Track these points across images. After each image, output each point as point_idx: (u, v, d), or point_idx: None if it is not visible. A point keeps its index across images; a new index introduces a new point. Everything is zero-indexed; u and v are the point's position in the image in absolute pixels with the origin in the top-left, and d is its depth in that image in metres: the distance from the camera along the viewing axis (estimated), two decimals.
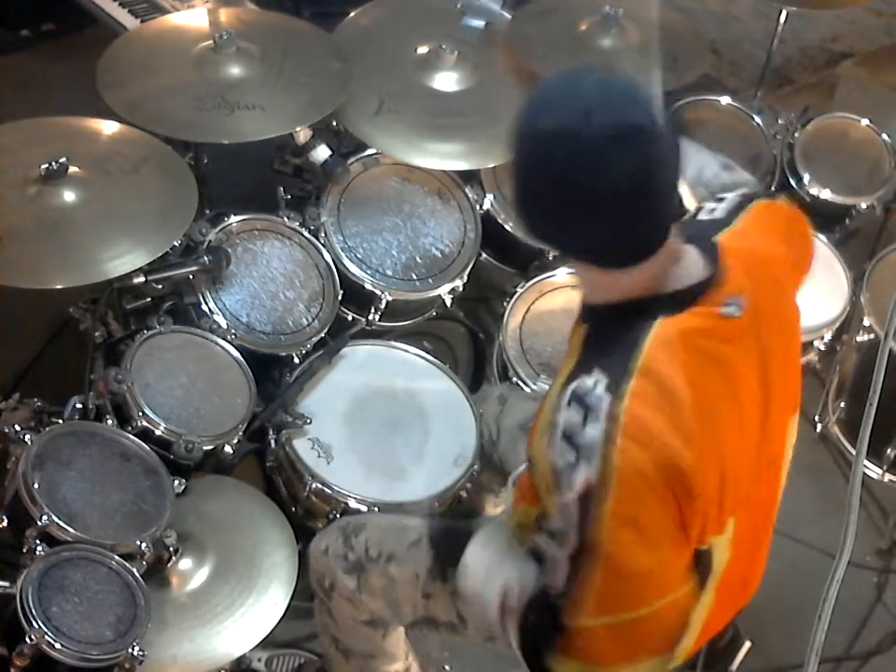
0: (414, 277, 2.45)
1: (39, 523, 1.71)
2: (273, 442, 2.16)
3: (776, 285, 1.48)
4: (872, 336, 2.54)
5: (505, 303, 2.51)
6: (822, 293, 2.64)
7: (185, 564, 1.89)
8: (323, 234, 2.40)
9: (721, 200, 1.56)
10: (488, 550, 1.55)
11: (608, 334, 1.37)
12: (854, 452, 1.54)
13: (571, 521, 1.30)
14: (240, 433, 2.09)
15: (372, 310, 2.42)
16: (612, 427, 1.26)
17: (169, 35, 2.45)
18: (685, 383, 1.30)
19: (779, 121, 2.88)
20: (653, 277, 1.34)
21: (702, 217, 1.54)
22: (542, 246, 2.56)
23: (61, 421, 1.94)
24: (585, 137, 1.22)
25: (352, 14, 2.65)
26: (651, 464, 1.26)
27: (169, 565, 1.87)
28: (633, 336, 1.32)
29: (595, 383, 1.30)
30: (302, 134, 2.35)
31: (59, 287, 1.91)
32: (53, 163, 1.98)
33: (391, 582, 1.76)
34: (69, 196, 2.01)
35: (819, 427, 2.76)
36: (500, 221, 2.58)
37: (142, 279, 2.06)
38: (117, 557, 1.75)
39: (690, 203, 1.66)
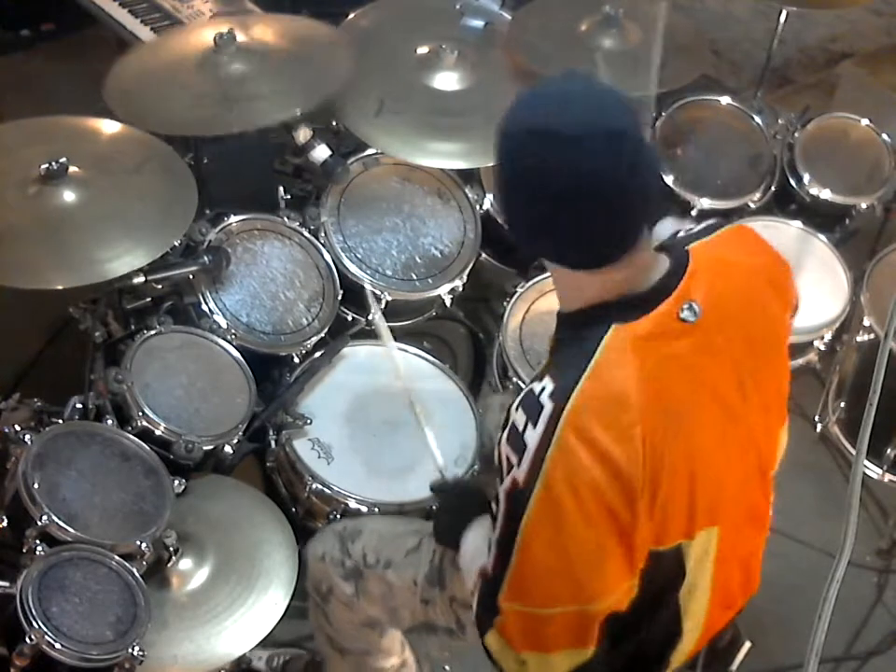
0: (414, 277, 2.45)
1: (39, 523, 1.71)
2: (273, 443, 2.16)
3: (746, 294, 1.47)
4: (872, 336, 2.53)
5: (505, 303, 2.50)
6: (822, 293, 2.64)
7: (185, 564, 1.89)
8: (323, 234, 2.40)
9: (699, 224, 1.58)
10: (486, 529, 1.58)
11: (567, 342, 1.41)
12: (854, 452, 1.54)
13: (500, 510, 1.35)
14: (240, 433, 2.09)
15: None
16: (548, 436, 1.29)
17: (172, 43, 2.45)
18: (638, 387, 1.31)
19: (779, 121, 2.88)
20: (620, 283, 1.35)
21: (681, 235, 1.55)
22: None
23: (61, 421, 1.94)
24: (562, 135, 1.25)
25: (352, 15, 2.65)
26: (579, 476, 1.29)
27: (169, 565, 1.87)
28: (587, 343, 1.34)
29: (541, 389, 1.33)
30: (302, 134, 2.35)
31: (59, 287, 1.91)
32: (53, 163, 1.98)
33: (389, 589, 1.77)
34: (69, 196, 2.01)
35: (818, 426, 2.75)
36: (500, 221, 2.58)
37: (142, 279, 2.06)
38: (117, 557, 1.75)
39: None
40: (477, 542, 1.58)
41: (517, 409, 1.35)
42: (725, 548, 1.47)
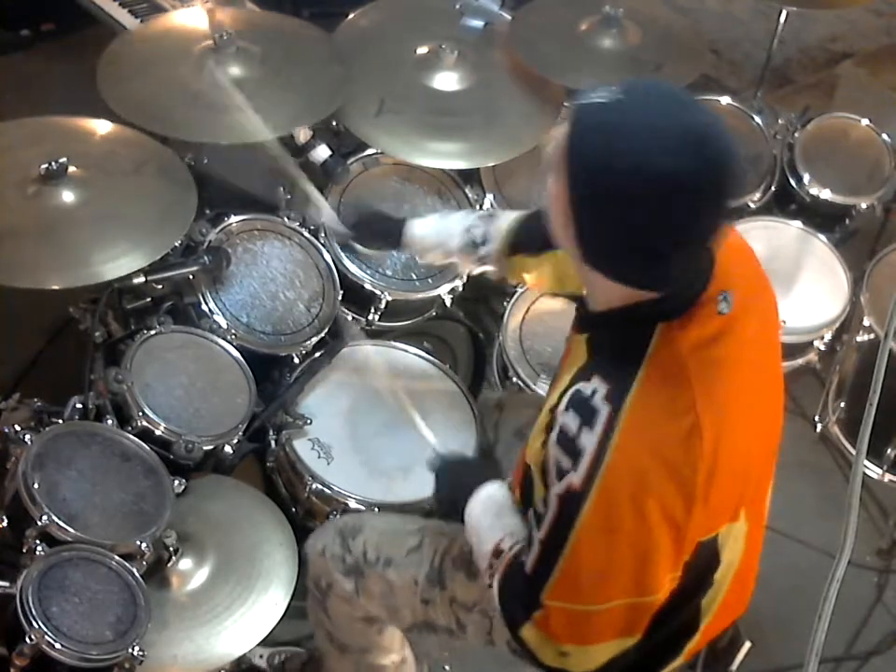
0: (414, 277, 2.45)
1: (39, 523, 1.71)
2: (273, 443, 2.16)
3: (756, 273, 1.49)
4: (872, 336, 2.54)
5: (505, 303, 2.51)
6: (822, 293, 2.64)
7: (185, 564, 1.89)
8: (323, 234, 2.40)
9: None
10: (492, 501, 1.57)
11: (610, 341, 1.38)
12: (854, 452, 1.54)
13: (550, 512, 1.33)
14: (240, 433, 2.09)
15: (372, 310, 2.42)
16: (606, 440, 1.27)
17: (170, 34, 2.44)
18: (692, 388, 1.30)
19: (779, 121, 2.88)
20: None
21: None
22: None
23: (61, 421, 1.94)
24: (706, 193, 1.22)
25: (352, 15, 2.65)
26: (638, 481, 1.28)
27: (169, 565, 1.87)
28: (633, 343, 1.32)
29: (593, 391, 1.31)
30: (302, 134, 2.35)
31: (56, 287, 1.91)
32: (53, 163, 1.98)
33: (390, 588, 1.76)
34: (68, 196, 2.00)
35: (818, 426, 2.75)
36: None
37: (142, 279, 2.06)
38: (117, 557, 1.75)
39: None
40: (485, 521, 1.55)
41: (566, 411, 1.32)
42: (750, 531, 1.49)
